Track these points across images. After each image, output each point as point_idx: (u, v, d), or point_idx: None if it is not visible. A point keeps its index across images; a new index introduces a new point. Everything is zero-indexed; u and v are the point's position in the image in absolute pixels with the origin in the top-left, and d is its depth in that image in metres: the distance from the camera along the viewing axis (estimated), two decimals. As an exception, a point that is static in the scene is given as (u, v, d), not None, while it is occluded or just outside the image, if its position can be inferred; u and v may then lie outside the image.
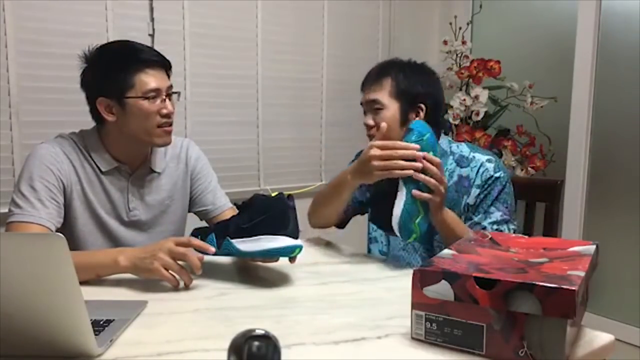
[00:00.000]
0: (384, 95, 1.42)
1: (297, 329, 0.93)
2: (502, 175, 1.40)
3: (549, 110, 2.51)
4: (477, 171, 1.43)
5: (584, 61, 2.47)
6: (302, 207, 1.36)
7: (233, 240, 1.13)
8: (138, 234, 1.40)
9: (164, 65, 1.33)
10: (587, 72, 2.46)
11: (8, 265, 0.73)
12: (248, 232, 1.11)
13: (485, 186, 1.40)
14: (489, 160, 1.43)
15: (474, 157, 1.45)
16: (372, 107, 1.43)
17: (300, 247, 1.12)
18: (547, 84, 2.56)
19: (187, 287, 1.12)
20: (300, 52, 2.65)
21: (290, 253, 1.11)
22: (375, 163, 1.26)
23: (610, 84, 2.42)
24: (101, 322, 0.90)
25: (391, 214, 1.26)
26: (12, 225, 1.23)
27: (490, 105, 2.70)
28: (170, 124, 1.34)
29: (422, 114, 1.44)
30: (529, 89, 2.57)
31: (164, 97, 1.31)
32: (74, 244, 1.32)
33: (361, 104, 1.48)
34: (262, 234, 1.10)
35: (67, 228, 1.31)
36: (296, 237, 1.11)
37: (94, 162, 1.34)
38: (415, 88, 1.42)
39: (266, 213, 1.10)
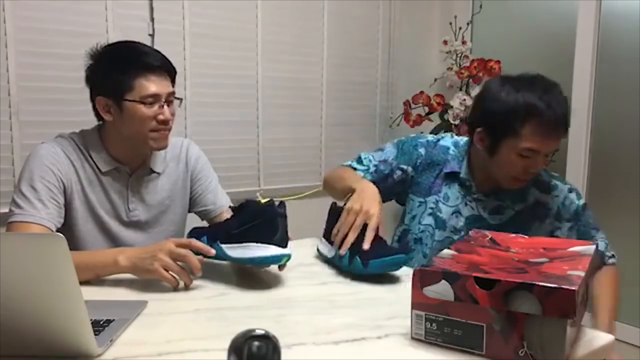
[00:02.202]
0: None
1: (297, 329, 0.93)
2: (583, 199, 1.45)
3: (549, 110, 2.50)
4: (563, 204, 1.44)
5: (584, 61, 2.47)
6: (301, 210, 1.36)
7: (223, 245, 1.13)
8: (138, 234, 1.40)
9: (168, 71, 1.32)
10: (587, 72, 2.46)
11: (8, 265, 0.73)
12: (237, 237, 1.12)
13: (578, 217, 1.44)
14: (570, 190, 1.46)
15: (555, 185, 1.45)
16: (545, 156, 1.35)
17: (288, 256, 1.11)
18: (547, 84, 2.55)
19: (187, 288, 1.12)
20: (300, 52, 2.65)
21: (278, 262, 1.11)
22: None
23: (610, 84, 2.42)
24: (101, 322, 0.90)
25: None
26: (13, 225, 1.23)
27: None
28: (168, 129, 1.33)
29: None
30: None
31: (163, 103, 1.30)
32: (74, 244, 1.32)
33: (534, 150, 1.31)
34: (251, 241, 1.10)
35: (67, 228, 1.31)
36: (284, 246, 1.10)
37: (94, 162, 1.34)
38: None
39: (255, 220, 1.10)
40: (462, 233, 1.44)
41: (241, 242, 1.11)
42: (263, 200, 1.11)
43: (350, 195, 1.30)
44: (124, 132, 1.31)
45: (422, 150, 1.52)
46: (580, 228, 1.46)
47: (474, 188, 1.47)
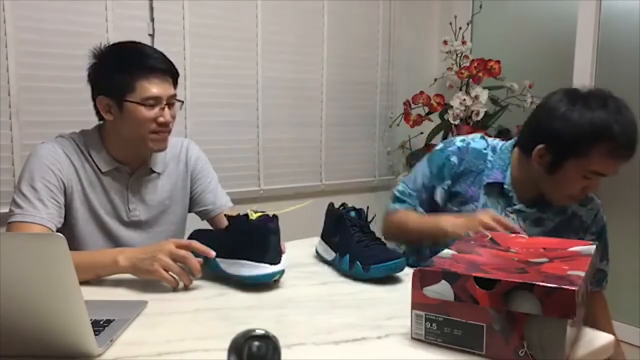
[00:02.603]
0: None
1: (297, 329, 0.93)
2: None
3: (549, 110, 2.50)
4: (594, 217, 1.44)
5: (584, 61, 2.47)
6: (300, 210, 1.35)
7: (217, 259, 1.14)
8: (138, 234, 1.40)
9: (170, 73, 1.32)
10: (587, 72, 2.46)
11: (8, 265, 0.73)
12: (230, 253, 1.12)
13: (602, 234, 1.44)
14: (601, 205, 1.45)
15: (592, 198, 1.44)
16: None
17: (280, 273, 1.11)
18: (547, 84, 2.54)
19: (186, 288, 1.12)
20: (300, 52, 2.65)
21: (269, 279, 1.10)
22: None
23: (610, 84, 2.40)
24: (101, 322, 0.90)
25: None
26: (13, 225, 1.23)
27: (490, 105, 2.70)
28: (168, 131, 1.33)
29: None
30: (529, 89, 2.57)
31: (164, 105, 1.30)
32: (74, 244, 1.32)
33: (601, 173, 1.29)
34: (243, 258, 1.10)
35: (68, 228, 1.31)
36: (277, 262, 1.10)
37: (94, 162, 1.34)
38: None
39: (246, 237, 1.10)
40: None
41: (233, 258, 1.11)
42: (255, 215, 1.10)
43: (452, 234, 1.27)
44: (123, 133, 1.31)
45: (454, 159, 1.45)
46: (602, 244, 1.47)
47: (515, 199, 1.41)
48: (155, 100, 1.28)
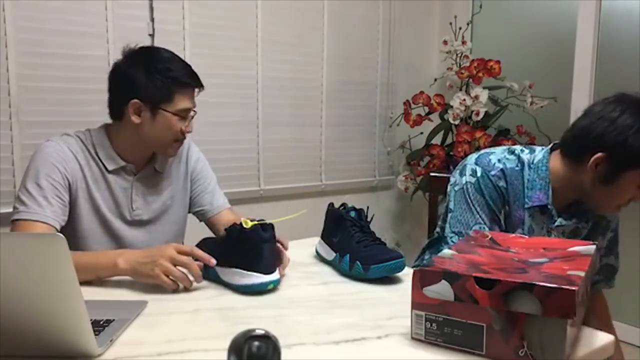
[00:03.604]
0: None
1: (297, 329, 0.93)
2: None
3: (549, 110, 2.51)
4: (615, 216, 1.44)
5: (584, 61, 2.47)
6: (300, 210, 1.35)
7: (216, 267, 1.15)
8: (140, 233, 1.40)
9: (198, 87, 1.40)
10: (587, 72, 2.46)
11: (8, 265, 0.73)
12: (225, 261, 1.12)
13: (617, 229, 1.45)
14: None
15: None
16: None
17: (273, 283, 1.11)
18: (547, 84, 2.56)
19: (186, 289, 1.12)
20: (300, 52, 2.65)
21: (263, 289, 1.10)
22: None
23: (610, 84, 2.42)
24: (101, 322, 0.90)
25: None
26: (17, 223, 1.23)
27: (490, 105, 2.70)
28: (184, 140, 1.40)
29: None
30: (529, 89, 2.57)
31: (190, 116, 1.37)
32: (77, 242, 1.32)
33: None
34: (237, 267, 1.10)
35: (71, 226, 1.31)
36: (271, 272, 1.10)
37: (101, 160, 1.34)
38: None
39: (241, 246, 1.10)
40: None
41: (229, 267, 1.12)
42: (250, 224, 1.09)
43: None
44: (146, 135, 1.33)
45: (502, 183, 1.34)
46: (612, 239, 1.49)
47: (555, 215, 1.35)
48: (186, 113, 1.36)
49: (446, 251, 0.95)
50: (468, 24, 2.90)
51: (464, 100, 2.61)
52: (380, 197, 3.01)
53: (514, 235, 1.08)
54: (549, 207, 1.34)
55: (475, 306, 0.80)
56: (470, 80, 2.69)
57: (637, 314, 2.34)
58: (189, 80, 1.36)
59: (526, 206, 1.34)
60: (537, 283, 0.76)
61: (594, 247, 0.97)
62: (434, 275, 0.83)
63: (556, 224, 1.35)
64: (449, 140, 2.80)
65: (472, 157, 1.40)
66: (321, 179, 2.80)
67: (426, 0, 3.08)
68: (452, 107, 2.64)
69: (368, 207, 1.33)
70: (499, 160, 1.37)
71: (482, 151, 1.41)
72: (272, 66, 2.56)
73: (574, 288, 0.74)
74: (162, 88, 1.31)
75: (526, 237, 1.07)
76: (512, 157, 1.38)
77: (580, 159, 1.28)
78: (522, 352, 0.78)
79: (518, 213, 1.35)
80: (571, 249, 0.96)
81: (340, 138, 2.85)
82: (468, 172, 1.38)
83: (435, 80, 2.92)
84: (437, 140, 2.82)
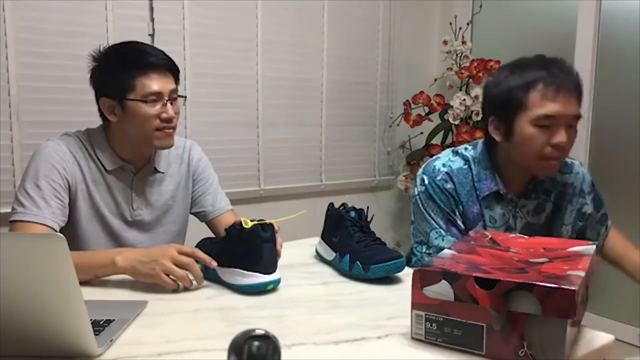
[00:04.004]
0: (579, 110, 1.26)
1: (297, 329, 0.93)
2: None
3: (549, 110, 2.51)
4: (582, 179, 1.45)
5: (584, 61, 2.47)
6: (300, 210, 1.35)
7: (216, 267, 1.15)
8: (140, 234, 1.40)
9: (169, 68, 1.32)
10: (587, 72, 2.46)
11: (8, 265, 0.73)
12: (226, 261, 1.12)
13: (593, 187, 1.46)
14: (580, 164, 1.46)
15: (572, 163, 1.45)
16: (568, 123, 1.25)
17: (274, 282, 1.10)
18: (547, 84, 2.55)
19: (187, 288, 1.12)
20: (300, 52, 2.65)
21: (263, 289, 1.10)
22: None
23: (610, 84, 2.42)
24: (101, 322, 0.90)
25: None
26: (16, 224, 1.23)
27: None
28: (173, 127, 1.33)
29: None
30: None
31: (166, 100, 1.30)
32: (77, 243, 1.32)
33: (549, 116, 1.24)
34: (237, 267, 1.10)
35: (71, 226, 1.31)
36: (271, 271, 1.10)
37: (100, 160, 1.34)
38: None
39: (241, 246, 1.10)
40: None
41: (229, 267, 1.12)
42: (250, 224, 1.09)
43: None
44: (129, 132, 1.32)
45: (450, 185, 1.39)
46: (596, 197, 1.51)
47: (514, 198, 1.38)
48: (156, 96, 1.28)
49: (446, 251, 0.95)
50: (468, 24, 2.90)
51: (464, 100, 2.61)
52: (380, 197, 3.01)
53: (513, 235, 1.08)
54: (501, 192, 1.37)
55: (475, 306, 0.80)
56: (470, 80, 2.69)
57: (637, 314, 2.34)
58: (146, 61, 1.28)
59: (479, 199, 1.37)
60: (537, 283, 0.76)
61: (594, 247, 0.97)
62: (434, 275, 0.83)
63: (518, 205, 1.39)
64: (449, 141, 2.80)
65: (422, 168, 1.45)
66: (321, 179, 2.80)
67: (426, 0, 3.08)
68: (452, 107, 2.64)
69: (368, 207, 1.33)
70: (443, 165, 1.41)
71: (429, 160, 1.46)
72: (272, 66, 2.56)
73: (574, 288, 0.74)
74: (120, 77, 1.27)
75: (526, 237, 1.07)
76: (456, 157, 1.42)
77: (490, 134, 1.36)
78: (522, 352, 0.78)
79: (473, 209, 1.38)
80: (571, 249, 0.96)
81: (340, 138, 2.85)
82: (418, 182, 1.43)
83: (435, 80, 2.92)
84: (437, 140, 2.82)
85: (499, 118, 1.32)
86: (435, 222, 1.39)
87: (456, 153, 1.44)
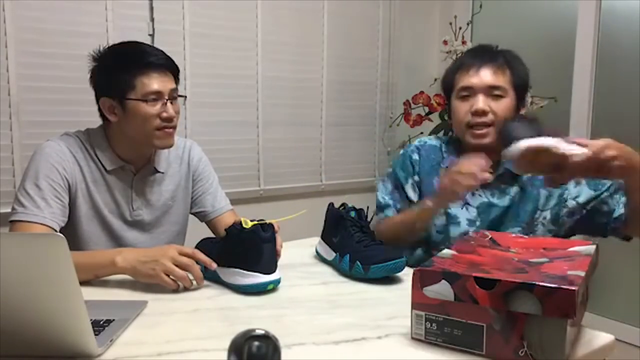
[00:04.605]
0: (505, 81, 1.36)
1: (297, 329, 0.93)
2: None
3: (549, 110, 2.51)
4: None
5: (584, 61, 2.47)
6: (300, 210, 1.35)
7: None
8: (140, 234, 1.40)
9: (169, 68, 1.32)
10: (587, 72, 2.46)
11: (8, 265, 0.73)
12: (226, 261, 1.12)
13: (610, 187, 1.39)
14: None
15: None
16: (490, 93, 1.35)
17: (274, 282, 1.10)
18: (547, 84, 2.55)
19: (187, 288, 1.12)
20: (300, 52, 2.65)
21: (263, 289, 1.10)
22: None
23: (610, 84, 2.42)
24: (101, 322, 0.90)
25: None
26: (16, 224, 1.23)
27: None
28: (173, 127, 1.33)
29: (523, 110, 1.43)
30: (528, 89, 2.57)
31: (166, 100, 1.30)
32: (77, 243, 1.32)
33: (465, 87, 1.38)
34: (237, 267, 1.10)
35: (71, 227, 1.31)
36: (271, 271, 1.10)
37: (100, 160, 1.34)
38: (526, 81, 1.41)
39: (241, 246, 1.10)
40: (478, 223, 1.41)
41: (229, 267, 1.12)
42: (250, 224, 1.09)
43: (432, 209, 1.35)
44: (129, 132, 1.32)
45: (415, 156, 1.51)
46: (591, 181, 1.41)
47: None
48: (156, 95, 1.28)
49: (446, 251, 0.95)
50: (468, 24, 2.90)
51: (464, 100, 2.60)
52: (380, 197, 3.00)
53: (514, 235, 1.08)
54: None
55: (475, 306, 0.80)
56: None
57: (637, 314, 2.34)
58: (146, 61, 1.28)
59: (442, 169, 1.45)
60: (537, 283, 0.76)
61: (594, 247, 0.97)
62: (434, 275, 0.83)
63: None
64: (449, 140, 2.80)
65: None
66: (321, 179, 2.80)
67: (426, 0, 3.08)
68: (452, 107, 2.64)
69: (368, 207, 1.33)
70: (419, 140, 1.56)
71: None
72: (272, 66, 2.56)
73: (574, 288, 0.74)
74: (121, 77, 1.27)
75: (526, 237, 1.07)
76: (435, 139, 1.55)
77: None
78: (522, 352, 0.78)
79: (434, 181, 1.45)
80: (571, 249, 0.96)
81: (340, 138, 2.85)
82: None
83: (435, 80, 2.92)
84: (437, 140, 2.82)
85: (446, 100, 1.50)
86: (385, 185, 1.55)
87: (439, 138, 1.57)
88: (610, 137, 1.10)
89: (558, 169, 1.03)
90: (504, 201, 1.41)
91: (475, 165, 1.25)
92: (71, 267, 0.74)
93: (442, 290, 0.83)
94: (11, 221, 1.24)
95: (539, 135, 1.05)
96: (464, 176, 1.25)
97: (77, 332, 0.78)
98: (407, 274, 1.18)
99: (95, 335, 0.82)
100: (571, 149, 1.02)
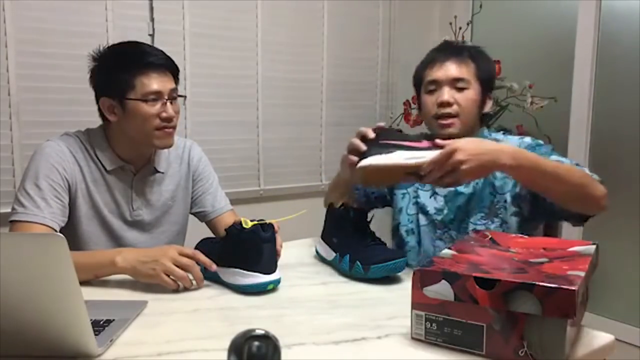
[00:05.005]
0: (469, 74, 1.40)
1: (297, 329, 0.93)
2: (543, 143, 1.40)
3: (549, 110, 2.51)
4: (518, 146, 1.35)
5: (584, 61, 2.47)
6: (300, 210, 1.35)
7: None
8: (140, 234, 1.40)
9: (169, 68, 1.32)
10: (587, 72, 2.46)
11: (8, 265, 0.73)
12: (226, 261, 1.12)
13: (534, 149, 1.34)
14: (522, 137, 1.43)
15: (507, 139, 1.44)
16: (454, 85, 1.39)
17: (274, 282, 1.10)
18: (547, 84, 2.55)
19: (186, 288, 1.12)
20: (300, 52, 2.65)
21: (263, 289, 1.10)
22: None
23: (610, 84, 2.42)
24: (101, 322, 0.90)
25: None
26: (16, 224, 1.23)
27: (490, 105, 2.69)
28: (173, 127, 1.33)
29: (489, 104, 1.46)
30: (529, 89, 2.57)
31: (166, 100, 1.30)
32: (77, 243, 1.32)
33: (431, 81, 1.42)
34: (237, 267, 1.10)
35: (71, 227, 1.31)
36: (271, 271, 1.10)
37: (99, 160, 1.34)
38: (491, 74, 1.45)
39: (241, 246, 1.10)
40: (446, 211, 1.41)
41: (229, 267, 1.12)
42: (250, 224, 1.09)
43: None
44: (129, 132, 1.32)
45: None
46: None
47: None
48: (156, 95, 1.28)
49: (446, 251, 0.95)
50: (468, 24, 2.90)
51: (464, 100, 2.60)
52: (380, 197, 3.00)
53: (514, 235, 1.09)
54: None
55: (475, 306, 0.80)
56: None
57: (637, 314, 2.34)
58: (146, 60, 1.28)
59: None
60: (537, 283, 0.76)
61: (594, 247, 0.97)
62: (434, 275, 0.83)
63: None
64: (448, 140, 2.80)
65: None
66: (321, 179, 2.80)
67: (426, 0, 3.08)
68: (452, 107, 2.64)
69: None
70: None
71: None
72: (272, 66, 2.56)
73: (574, 288, 0.74)
74: (120, 77, 1.27)
75: (526, 237, 1.07)
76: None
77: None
78: (522, 352, 0.78)
79: None
80: (571, 249, 0.96)
81: (340, 138, 2.84)
82: None
83: (435, 80, 2.92)
84: (437, 140, 2.82)
85: (417, 96, 1.54)
86: None
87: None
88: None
89: (419, 176, 1.09)
90: (469, 188, 1.42)
91: (356, 136, 1.25)
92: (71, 267, 0.74)
93: (442, 290, 0.83)
94: (11, 221, 1.24)
95: (395, 146, 1.12)
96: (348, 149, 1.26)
97: (77, 332, 0.78)
98: (407, 274, 1.18)
99: (95, 335, 0.82)
100: (420, 156, 1.08)
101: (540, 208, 1.33)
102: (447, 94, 1.38)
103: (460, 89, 1.39)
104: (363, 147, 1.19)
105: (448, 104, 1.38)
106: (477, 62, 1.43)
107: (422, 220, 1.46)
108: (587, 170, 1.25)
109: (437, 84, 1.41)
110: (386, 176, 1.14)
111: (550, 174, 1.15)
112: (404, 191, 1.51)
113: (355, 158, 1.19)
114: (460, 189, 1.42)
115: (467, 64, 1.42)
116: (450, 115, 1.38)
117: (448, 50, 1.45)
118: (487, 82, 1.45)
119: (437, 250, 1.41)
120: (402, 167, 1.09)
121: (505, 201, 1.38)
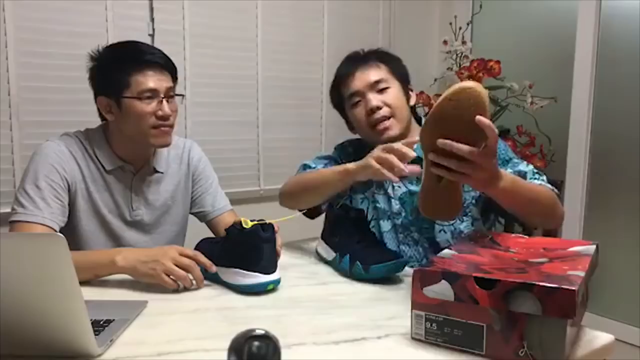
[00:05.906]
0: (385, 73, 1.41)
1: (297, 329, 0.93)
2: (509, 147, 1.40)
3: (549, 110, 2.51)
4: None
5: (584, 61, 2.47)
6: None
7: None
8: (140, 235, 1.40)
9: (165, 66, 1.32)
10: (587, 72, 2.46)
11: (8, 265, 0.73)
12: (225, 261, 1.12)
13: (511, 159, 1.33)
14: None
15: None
16: (375, 88, 1.39)
17: (274, 282, 1.10)
18: (547, 84, 2.56)
19: (187, 288, 1.12)
20: (300, 52, 2.65)
21: (262, 289, 1.10)
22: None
23: (610, 84, 2.42)
24: (101, 322, 0.90)
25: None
26: (16, 224, 1.23)
27: (490, 105, 2.69)
28: (169, 126, 1.32)
29: (413, 96, 1.47)
30: (529, 89, 2.57)
31: (162, 98, 1.29)
32: (77, 243, 1.32)
33: (352, 94, 1.41)
34: (237, 267, 1.10)
35: (71, 227, 1.31)
36: (271, 271, 1.10)
37: (99, 160, 1.34)
38: (404, 69, 1.48)
39: (240, 246, 1.10)
40: (403, 214, 1.38)
41: (229, 267, 1.12)
42: (249, 224, 1.09)
43: (360, 168, 1.24)
44: (126, 131, 1.31)
45: (350, 149, 1.56)
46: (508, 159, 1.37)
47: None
48: (151, 93, 1.28)
49: (446, 251, 0.95)
50: (468, 24, 2.90)
51: (464, 100, 2.60)
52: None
53: (514, 235, 1.08)
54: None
55: (475, 306, 0.80)
56: (470, 80, 2.69)
57: (637, 314, 2.34)
58: (142, 59, 1.28)
59: None
60: (537, 283, 0.76)
61: (594, 247, 0.97)
62: (434, 275, 0.83)
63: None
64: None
65: None
66: (321, 179, 2.80)
67: (426, 0, 3.08)
68: (452, 107, 2.63)
69: (368, 207, 1.33)
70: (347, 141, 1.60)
71: None
72: (272, 66, 2.56)
73: (574, 288, 0.74)
74: (116, 75, 1.27)
75: (526, 237, 1.07)
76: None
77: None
78: (522, 352, 0.78)
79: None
80: (571, 249, 0.96)
81: (340, 138, 2.84)
82: None
83: (435, 80, 2.92)
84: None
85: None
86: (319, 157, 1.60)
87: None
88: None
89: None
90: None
91: (404, 157, 1.18)
92: (71, 267, 0.74)
93: (442, 290, 0.83)
94: (11, 221, 1.24)
95: None
96: (392, 162, 1.17)
97: (77, 332, 0.78)
98: (407, 274, 1.18)
99: (95, 335, 0.82)
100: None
101: (496, 207, 1.27)
102: (373, 99, 1.38)
103: (383, 90, 1.39)
104: (412, 153, 1.17)
105: (378, 108, 1.37)
106: (386, 61, 1.45)
107: (384, 226, 1.40)
108: (549, 186, 1.26)
109: (359, 94, 1.41)
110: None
111: (528, 198, 1.16)
112: (362, 196, 1.45)
113: (408, 166, 1.17)
114: (414, 188, 1.37)
115: (379, 66, 1.43)
116: (385, 118, 1.37)
117: (355, 61, 1.46)
118: (404, 76, 1.47)
119: (404, 256, 1.36)
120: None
121: (473, 198, 1.35)
